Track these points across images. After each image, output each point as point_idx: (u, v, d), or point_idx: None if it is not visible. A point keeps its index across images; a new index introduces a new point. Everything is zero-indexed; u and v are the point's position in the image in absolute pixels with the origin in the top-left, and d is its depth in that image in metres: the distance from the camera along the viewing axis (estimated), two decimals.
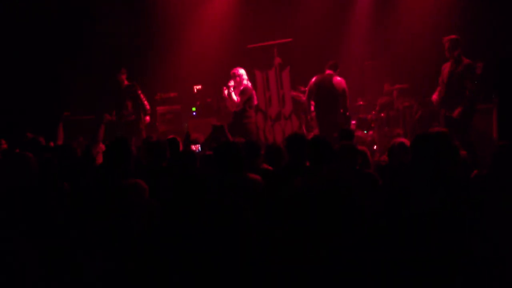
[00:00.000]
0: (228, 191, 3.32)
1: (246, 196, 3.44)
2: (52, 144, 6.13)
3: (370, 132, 8.40)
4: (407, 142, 4.18)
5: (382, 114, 8.41)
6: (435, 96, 6.54)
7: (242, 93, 7.23)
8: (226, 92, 7.28)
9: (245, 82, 7.29)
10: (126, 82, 8.18)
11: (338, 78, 7.17)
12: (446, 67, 6.46)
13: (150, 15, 9.76)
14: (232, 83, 7.23)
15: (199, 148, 5.49)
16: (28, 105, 8.86)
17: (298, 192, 2.11)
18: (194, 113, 9.93)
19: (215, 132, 6.20)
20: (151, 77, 9.66)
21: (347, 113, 7.24)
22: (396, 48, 8.88)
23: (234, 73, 7.27)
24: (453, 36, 6.40)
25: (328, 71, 7.22)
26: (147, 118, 8.19)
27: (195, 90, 10.17)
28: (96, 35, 9.35)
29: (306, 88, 7.48)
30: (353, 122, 8.11)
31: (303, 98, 7.88)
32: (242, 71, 7.30)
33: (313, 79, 7.29)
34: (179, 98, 10.08)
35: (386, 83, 8.95)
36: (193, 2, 9.90)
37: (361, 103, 8.85)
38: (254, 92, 7.54)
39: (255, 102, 7.63)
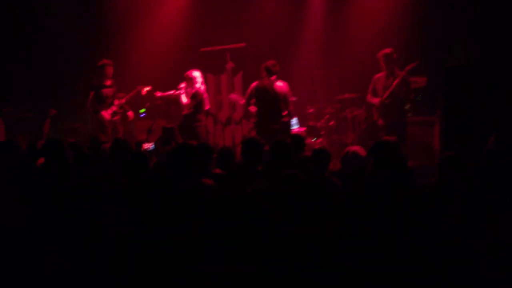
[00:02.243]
0: (184, 197, 3.26)
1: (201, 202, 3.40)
2: None
3: (319, 140, 8.54)
4: (360, 150, 4.29)
5: (331, 122, 8.57)
6: (375, 101, 6.82)
7: (193, 96, 7.17)
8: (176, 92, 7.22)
9: (197, 85, 7.23)
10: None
11: (280, 83, 6.81)
12: (381, 80, 6.75)
13: (100, 13, 9.52)
14: (183, 85, 7.17)
15: (151, 147, 5.39)
16: None
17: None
18: (142, 115, 9.73)
19: (165, 134, 6.12)
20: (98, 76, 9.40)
21: (291, 119, 6.97)
22: (346, 58, 9.09)
23: (187, 75, 7.21)
24: (387, 51, 6.67)
25: (267, 76, 6.78)
26: (131, 113, 7.86)
27: (145, 92, 9.97)
28: (42, 31, 9.02)
29: (247, 93, 7.13)
30: (303, 129, 8.21)
31: (241, 102, 7.53)
32: (196, 74, 7.24)
33: (254, 84, 6.91)
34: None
35: (335, 92, 9.14)
36: (145, 2, 9.73)
37: (311, 110, 8.98)
38: (206, 96, 7.48)
39: (207, 106, 7.57)
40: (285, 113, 6.86)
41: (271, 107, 6.80)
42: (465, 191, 3.12)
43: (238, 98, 8.07)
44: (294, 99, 8.22)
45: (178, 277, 2.10)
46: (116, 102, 7.64)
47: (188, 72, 7.25)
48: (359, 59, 8.62)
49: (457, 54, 7.91)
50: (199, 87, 7.24)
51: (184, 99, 7.16)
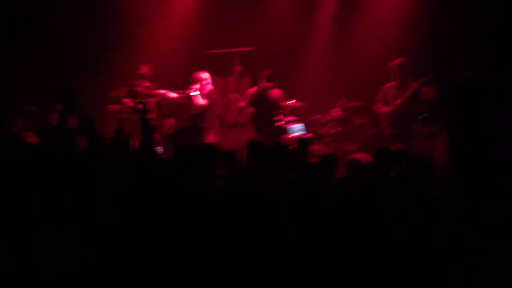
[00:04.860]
0: (187, 194, 3.25)
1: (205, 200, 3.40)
2: None
3: (323, 146, 8.51)
4: (365, 157, 4.33)
5: (337, 130, 8.55)
6: (385, 109, 6.86)
7: (208, 95, 7.20)
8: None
9: (209, 86, 7.27)
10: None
11: (276, 90, 7.36)
12: (391, 89, 6.76)
13: (109, 10, 9.52)
14: (197, 86, 7.15)
15: (161, 150, 5.39)
16: None
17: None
18: None
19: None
20: (105, 75, 9.41)
21: (283, 124, 7.54)
22: (353, 66, 9.08)
23: (198, 77, 7.20)
24: (400, 61, 6.74)
25: (265, 83, 7.41)
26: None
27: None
28: (49, 27, 9.03)
29: (246, 98, 7.65)
30: (309, 135, 8.20)
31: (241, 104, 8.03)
32: (206, 75, 7.26)
33: (253, 89, 7.49)
34: None
35: (341, 100, 9.10)
36: (154, 2, 9.73)
37: (316, 117, 8.96)
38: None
39: None
40: (279, 117, 7.46)
41: (267, 112, 7.38)
42: (473, 201, 3.13)
43: (236, 100, 8.36)
44: (299, 104, 8.28)
45: (180, 271, 2.10)
46: (149, 100, 7.73)
47: (197, 74, 7.24)
48: (366, 68, 8.62)
49: (463, 67, 7.89)
50: (212, 88, 7.30)
51: (199, 99, 7.13)
